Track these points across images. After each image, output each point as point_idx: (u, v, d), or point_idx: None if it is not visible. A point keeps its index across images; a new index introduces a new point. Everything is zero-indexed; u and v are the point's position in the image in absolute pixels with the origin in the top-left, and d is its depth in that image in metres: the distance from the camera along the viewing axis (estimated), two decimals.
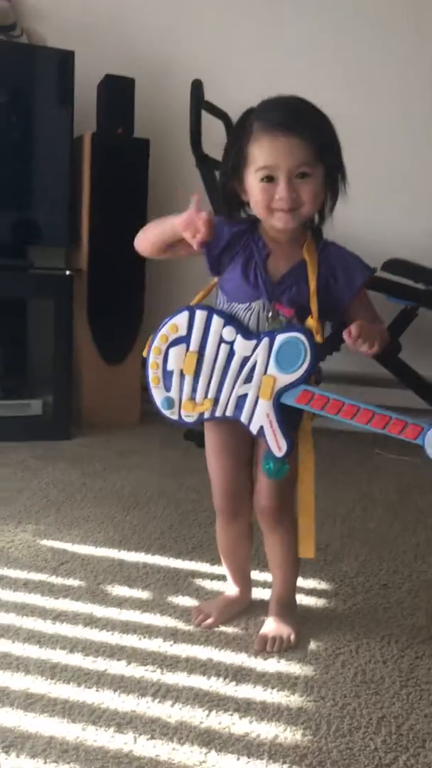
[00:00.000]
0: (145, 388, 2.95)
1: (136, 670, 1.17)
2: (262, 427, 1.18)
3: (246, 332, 1.18)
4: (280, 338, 1.15)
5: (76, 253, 2.77)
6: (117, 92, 2.67)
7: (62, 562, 1.56)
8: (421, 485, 2.28)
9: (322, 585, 1.53)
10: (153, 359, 1.24)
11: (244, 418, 1.20)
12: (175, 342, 1.22)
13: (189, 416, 1.23)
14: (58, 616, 1.33)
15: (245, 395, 1.19)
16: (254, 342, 1.17)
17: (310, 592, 1.49)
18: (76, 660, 1.19)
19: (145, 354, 1.25)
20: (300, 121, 1.13)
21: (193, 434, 2.53)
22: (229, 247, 1.21)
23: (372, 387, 2.86)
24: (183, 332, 1.21)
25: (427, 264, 2.58)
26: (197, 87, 2.47)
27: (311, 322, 1.16)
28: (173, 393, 1.24)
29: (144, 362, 1.26)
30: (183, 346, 1.22)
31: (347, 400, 1.13)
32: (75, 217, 2.71)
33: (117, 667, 1.18)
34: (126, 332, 2.77)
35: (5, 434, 2.49)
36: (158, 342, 1.23)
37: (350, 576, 1.58)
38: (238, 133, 1.17)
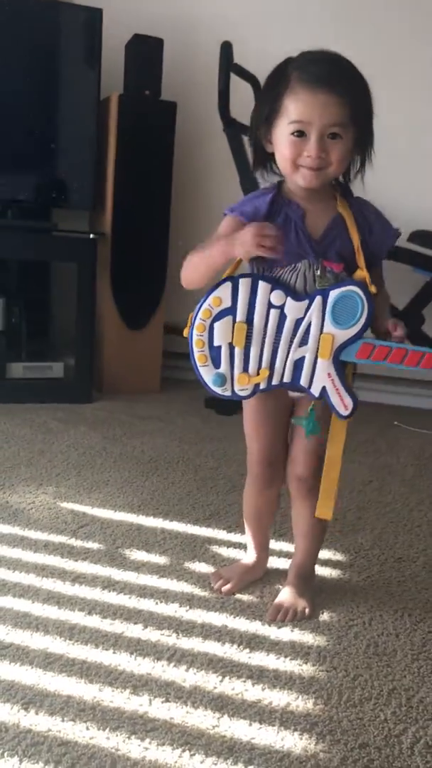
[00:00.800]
0: (166, 354, 2.97)
1: (152, 634, 1.20)
2: (324, 388, 1.16)
3: (295, 294, 1.15)
4: (334, 294, 1.13)
5: (101, 217, 2.76)
6: (145, 53, 2.62)
7: (82, 525, 1.58)
8: None
9: (337, 556, 1.55)
10: (197, 337, 1.18)
11: (304, 382, 1.17)
12: (220, 315, 1.17)
13: (244, 389, 1.20)
14: (77, 578, 1.36)
15: (302, 358, 1.16)
16: (306, 302, 1.14)
17: (326, 562, 1.50)
18: (94, 622, 1.22)
19: (186, 333, 1.20)
20: (341, 80, 1.10)
21: (214, 402, 2.54)
22: (267, 218, 1.18)
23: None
24: (228, 303, 1.16)
25: None
26: (227, 49, 2.42)
27: (361, 273, 1.15)
28: (224, 368, 1.19)
29: (188, 340, 1.21)
30: (229, 318, 1.16)
31: (409, 346, 1.12)
32: (100, 179, 2.69)
33: (134, 630, 1.21)
34: (149, 298, 2.77)
35: (28, 396, 2.52)
36: (201, 317, 1.17)
37: (365, 548, 1.59)
38: (275, 81, 1.14)
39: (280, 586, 1.37)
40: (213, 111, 2.47)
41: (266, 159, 1.22)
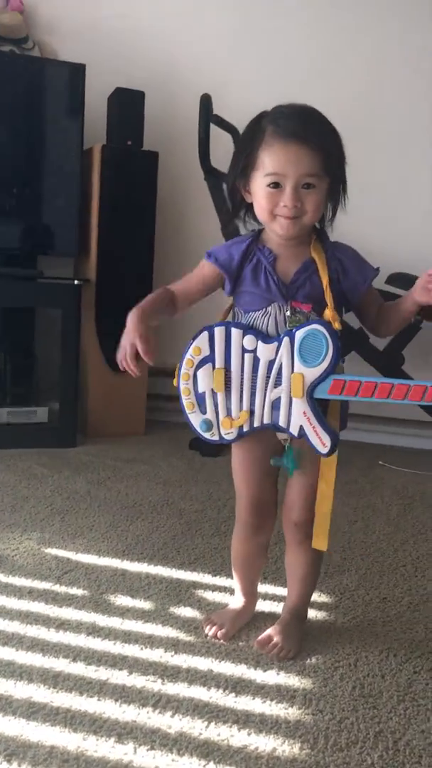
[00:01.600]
0: (150, 396, 2.98)
1: (137, 680, 1.19)
2: (302, 427, 1.18)
3: (265, 337, 1.19)
4: (299, 334, 1.16)
5: (85, 263, 2.80)
6: (127, 105, 2.70)
7: (66, 571, 1.58)
8: (423, 498, 2.30)
9: (323, 597, 1.55)
10: (183, 386, 1.26)
11: (282, 422, 1.19)
12: (201, 363, 1.24)
13: (229, 433, 1.24)
14: (62, 625, 1.35)
15: (279, 399, 1.19)
16: (275, 344, 1.18)
17: (311, 604, 1.49)
18: (79, 669, 1.21)
19: (175, 383, 1.27)
20: (312, 131, 1.15)
21: (199, 443, 2.55)
22: (241, 266, 1.24)
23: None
24: (207, 352, 1.23)
25: None
26: (206, 101, 2.50)
27: (328, 312, 1.18)
28: (209, 414, 1.25)
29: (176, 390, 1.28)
30: (209, 365, 1.23)
31: (379, 379, 1.13)
32: (84, 227, 2.74)
33: (119, 677, 1.20)
34: None
35: (11, 441, 2.52)
36: (185, 368, 1.25)
37: (351, 589, 1.60)
38: (250, 135, 1.19)
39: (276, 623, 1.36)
40: (194, 160, 2.54)
41: (244, 209, 1.26)
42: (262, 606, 1.47)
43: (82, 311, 2.64)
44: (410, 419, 2.95)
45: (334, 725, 1.11)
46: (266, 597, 1.51)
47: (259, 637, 1.31)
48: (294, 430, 1.19)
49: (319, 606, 1.51)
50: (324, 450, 1.18)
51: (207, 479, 2.31)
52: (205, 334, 1.23)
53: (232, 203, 1.28)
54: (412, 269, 2.66)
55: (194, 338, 1.24)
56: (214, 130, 2.51)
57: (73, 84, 2.63)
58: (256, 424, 1.22)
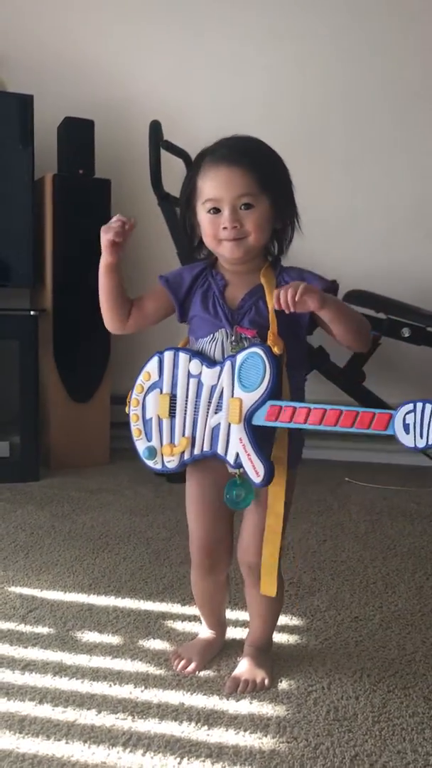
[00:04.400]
0: (114, 425, 2.95)
1: (106, 719, 1.16)
2: (238, 454, 1.15)
3: (210, 362, 1.19)
4: (239, 358, 1.15)
5: (41, 293, 2.78)
6: (77, 134, 2.71)
7: (31, 609, 1.53)
8: (391, 512, 2.30)
9: (294, 621, 1.53)
10: (133, 412, 1.24)
11: (220, 450, 1.17)
12: (151, 388, 1.23)
13: (170, 461, 1.22)
14: (27, 666, 1.31)
15: (218, 425, 1.17)
16: (218, 368, 1.17)
17: (282, 628, 1.48)
18: (45, 711, 1.17)
19: (126, 410, 1.25)
20: (242, 154, 1.17)
21: None
22: (191, 290, 1.25)
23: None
24: (156, 377, 1.23)
25: (387, 295, 2.63)
26: (155, 127, 2.51)
27: (270, 335, 1.16)
28: (154, 441, 1.23)
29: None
30: (157, 391, 1.22)
31: (312, 405, 1.09)
32: (38, 257, 2.72)
33: (87, 717, 1.16)
34: (93, 370, 2.77)
35: None
36: (135, 393, 1.24)
37: (321, 610, 1.58)
38: (192, 169, 1.22)
39: (239, 658, 1.34)
40: (147, 187, 2.55)
41: (200, 240, 1.25)
42: (233, 633, 1.44)
43: (40, 342, 2.61)
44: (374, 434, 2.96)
45: (309, 752, 1.09)
46: (237, 624, 1.48)
47: (227, 684, 1.26)
48: (231, 458, 1.16)
49: (291, 629, 1.49)
50: (257, 479, 1.14)
51: (174, 506, 2.28)
52: (156, 359, 1.23)
53: (189, 238, 1.28)
54: (369, 286, 2.70)
55: (145, 364, 1.24)
56: (166, 155, 2.52)
57: (22, 115, 2.62)
58: (196, 451, 1.20)
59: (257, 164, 1.16)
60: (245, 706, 1.21)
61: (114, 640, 1.42)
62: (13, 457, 2.57)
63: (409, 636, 1.47)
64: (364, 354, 2.62)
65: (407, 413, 1.00)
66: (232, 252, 1.18)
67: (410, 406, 1.00)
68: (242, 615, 1.52)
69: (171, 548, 1.92)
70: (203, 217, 1.19)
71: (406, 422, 1.00)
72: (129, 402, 1.25)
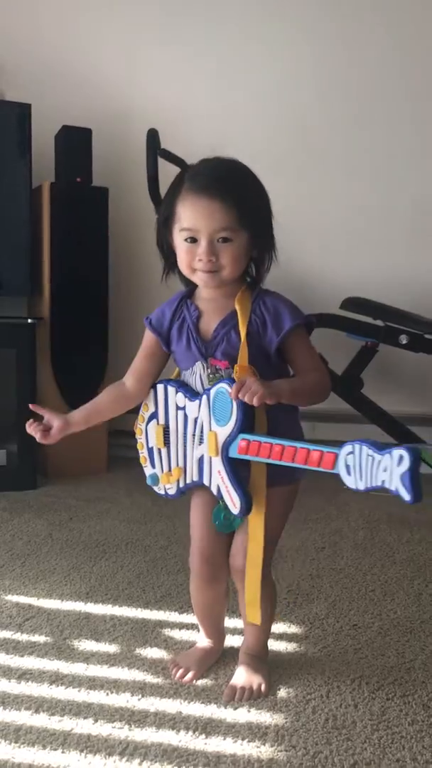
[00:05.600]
0: (112, 433, 2.95)
1: (103, 728, 1.15)
2: (218, 486, 1.18)
3: (192, 394, 1.21)
4: (212, 392, 1.17)
5: (38, 302, 2.78)
6: (74, 143, 2.71)
7: (27, 618, 1.52)
8: (389, 520, 2.29)
9: (292, 628, 1.52)
10: (139, 440, 1.30)
11: (206, 480, 1.20)
12: (150, 419, 1.28)
13: (170, 488, 1.28)
14: (23, 675, 1.30)
15: (202, 457, 1.20)
16: (198, 402, 1.19)
17: (280, 636, 1.47)
18: (42, 721, 1.16)
19: (137, 437, 1.31)
20: (224, 186, 1.13)
21: None
22: (171, 326, 1.25)
23: (341, 423, 2.89)
24: (152, 408, 1.27)
25: (385, 302, 2.63)
26: (153, 135, 2.52)
27: (236, 368, 1.16)
28: (156, 468, 1.29)
29: None
30: (155, 421, 1.27)
31: (276, 440, 1.09)
32: (36, 266, 2.71)
33: (84, 726, 1.15)
34: (91, 379, 2.76)
35: None
36: (139, 423, 1.30)
37: (320, 617, 1.57)
38: (172, 188, 1.19)
39: (235, 666, 1.33)
40: (145, 195, 2.55)
41: (173, 259, 1.23)
42: (231, 641, 1.43)
43: (37, 350, 2.61)
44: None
45: (307, 761, 1.08)
46: (235, 632, 1.47)
47: (225, 693, 1.25)
48: (213, 489, 1.19)
49: (289, 637, 1.48)
50: (235, 511, 1.16)
51: (171, 515, 2.27)
52: (152, 390, 1.27)
53: (162, 254, 1.25)
54: (367, 293, 2.70)
55: (148, 394, 1.28)
56: (164, 164, 2.53)
57: (19, 123, 2.63)
58: (188, 480, 1.24)
59: (238, 198, 1.13)
60: (243, 715, 1.20)
61: (111, 648, 1.41)
62: (10, 465, 2.57)
63: (408, 643, 1.46)
64: (361, 361, 2.63)
65: (348, 454, 0.99)
66: (206, 283, 1.18)
67: (350, 448, 0.99)
68: (241, 623, 1.51)
69: (169, 557, 1.91)
70: (179, 243, 1.17)
71: (348, 464, 1.00)
72: (135, 430, 1.30)
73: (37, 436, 1.30)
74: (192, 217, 1.14)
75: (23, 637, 1.44)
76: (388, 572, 1.85)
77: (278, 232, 1.23)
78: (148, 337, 1.29)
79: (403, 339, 2.54)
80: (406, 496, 0.92)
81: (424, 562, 1.93)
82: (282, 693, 1.27)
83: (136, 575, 1.78)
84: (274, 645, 1.42)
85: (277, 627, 1.50)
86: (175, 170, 2.42)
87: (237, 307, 1.19)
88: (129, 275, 3.00)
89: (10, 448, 2.58)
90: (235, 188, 1.14)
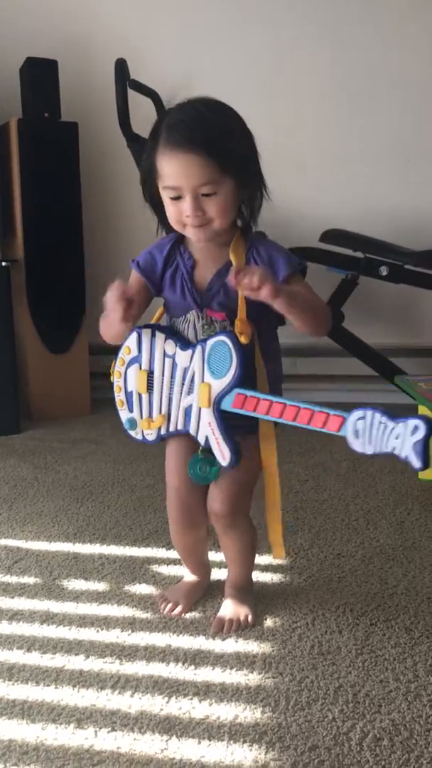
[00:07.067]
0: (94, 375, 2.93)
1: (94, 664, 1.17)
2: (207, 437, 1.18)
3: (184, 343, 1.19)
4: (209, 344, 1.15)
5: (12, 243, 2.71)
6: (40, 75, 2.60)
7: (16, 560, 1.54)
8: None
9: (277, 560, 1.55)
10: (116, 382, 1.27)
11: (192, 430, 1.20)
12: (131, 362, 1.24)
13: (149, 434, 1.26)
14: (14, 616, 1.32)
15: (190, 406, 1.19)
16: (191, 351, 1.18)
17: (266, 567, 1.51)
18: (34, 659, 1.19)
19: (111, 379, 1.27)
20: (202, 139, 1.08)
21: None
22: (164, 272, 1.22)
23: (321, 357, 2.89)
24: (135, 352, 1.24)
25: (365, 233, 2.59)
26: (121, 66, 2.43)
27: (237, 322, 1.15)
28: (135, 413, 1.26)
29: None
30: (137, 365, 1.24)
31: (275, 398, 1.10)
32: (7, 206, 2.64)
33: (75, 662, 1.18)
34: (69, 321, 2.74)
35: None
36: (118, 365, 1.26)
37: (305, 548, 1.60)
38: (152, 138, 1.14)
39: (222, 599, 1.36)
40: (115, 128, 2.48)
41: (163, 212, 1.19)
42: (217, 574, 1.46)
43: (13, 293, 2.57)
44: (362, 375, 2.94)
45: (294, 686, 1.12)
46: (222, 565, 1.49)
47: (212, 625, 1.28)
48: (201, 440, 1.19)
49: (274, 569, 1.51)
50: (224, 463, 1.17)
51: (157, 453, 2.25)
52: (135, 334, 1.23)
53: (152, 208, 1.21)
54: (346, 225, 2.66)
55: (126, 337, 1.24)
56: (136, 95, 2.44)
57: None
58: (171, 428, 1.23)
59: (216, 147, 1.08)
60: (231, 645, 1.23)
61: (100, 586, 1.43)
62: None
63: (390, 570, 1.50)
64: (342, 295, 2.61)
65: (358, 419, 1.02)
66: (198, 238, 1.16)
67: (360, 413, 1.02)
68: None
69: (155, 494, 1.93)
70: (166, 200, 1.14)
71: (356, 428, 1.02)
72: (112, 372, 1.27)
73: (119, 315, 1.13)
74: (173, 174, 1.10)
75: (13, 579, 1.46)
76: (370, 502, 1.88)
77: None
78: (135, 280, 1.24)
79: (384, 270, 2.52)
80: (417, 464, 0.96)
81: (406, 490, 1.96)
82: (268, 622, 1.30)
83: (123, 514, 1.80)
84: (260, 576, 1.45)
85: (263, 559, 1.53)
86: (146, 102, 2.39)
87: (232, 258, 1.16)
88: (104, 211, 2.94)
89: None
90: (214, 138, 1.09)
